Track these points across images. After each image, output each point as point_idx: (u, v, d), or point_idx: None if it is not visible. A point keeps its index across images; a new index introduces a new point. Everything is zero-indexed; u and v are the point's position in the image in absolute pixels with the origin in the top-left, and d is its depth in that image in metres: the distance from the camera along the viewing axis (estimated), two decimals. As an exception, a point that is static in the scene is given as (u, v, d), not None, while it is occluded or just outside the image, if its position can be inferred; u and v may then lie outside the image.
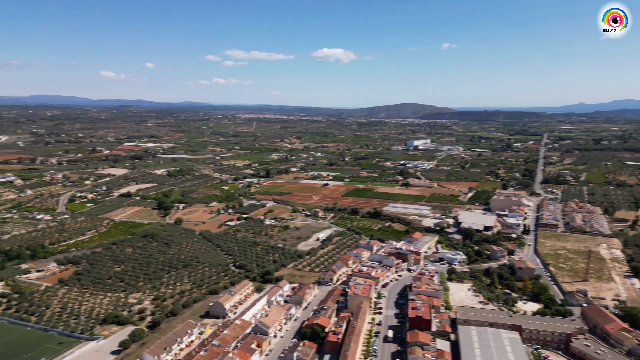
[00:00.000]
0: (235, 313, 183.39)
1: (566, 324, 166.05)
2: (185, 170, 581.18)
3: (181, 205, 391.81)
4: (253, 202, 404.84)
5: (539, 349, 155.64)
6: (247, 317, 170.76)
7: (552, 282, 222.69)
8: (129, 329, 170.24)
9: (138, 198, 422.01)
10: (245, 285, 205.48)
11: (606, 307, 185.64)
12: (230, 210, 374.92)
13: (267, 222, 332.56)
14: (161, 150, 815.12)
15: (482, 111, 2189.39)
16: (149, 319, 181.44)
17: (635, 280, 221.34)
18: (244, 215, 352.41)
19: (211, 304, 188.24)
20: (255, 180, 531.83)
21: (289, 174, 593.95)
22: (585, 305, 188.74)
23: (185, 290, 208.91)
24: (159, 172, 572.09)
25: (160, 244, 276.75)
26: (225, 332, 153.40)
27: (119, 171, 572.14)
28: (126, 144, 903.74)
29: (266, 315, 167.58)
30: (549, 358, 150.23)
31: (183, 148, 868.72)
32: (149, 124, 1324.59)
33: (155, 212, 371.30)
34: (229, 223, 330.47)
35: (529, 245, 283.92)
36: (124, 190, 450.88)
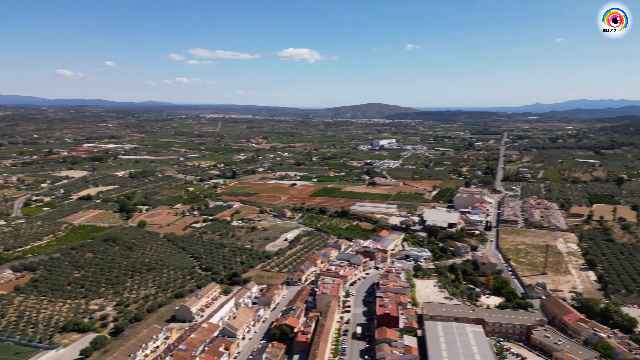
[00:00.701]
0: (202, 316, 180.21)
1: (527, 316, 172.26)
2: (149, 171, 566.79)
3: (144, 208, 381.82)
4: (219, 203, 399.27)
5: (502, 341, 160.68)
6: (214, 320, 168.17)
7: (513, 276, 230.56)
8: (91, 336, 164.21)
9: (99, 201, 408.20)
10: (212, 287, 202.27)
11: (564, 299, 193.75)
12: (195, 212, 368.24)
13: (234, 223, 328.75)
14: (123, 152, 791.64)
15: (445, 111, 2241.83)
16: (111, 325, 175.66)
17: (590, 273, 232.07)
18: (210, 217, 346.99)
19: (177, 307, 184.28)
20: (221, 181, 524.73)
21: (256, 174, 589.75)
22: (544, 297, 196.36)
23: (150, 295, 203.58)
24: (120, 173, 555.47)
25: (122, 247, 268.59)
26: (192, 336, 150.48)
27: (77, 173, 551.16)
28: (85, 145, 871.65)
29: (234, 318, 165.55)
30: (511, 350, 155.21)
31: (146, 149, 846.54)
32: (110, 125, 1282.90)
33: (117, 215, 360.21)
34: (194, 225, 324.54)
35: (491, 241, 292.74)
36: (83, 193, 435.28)
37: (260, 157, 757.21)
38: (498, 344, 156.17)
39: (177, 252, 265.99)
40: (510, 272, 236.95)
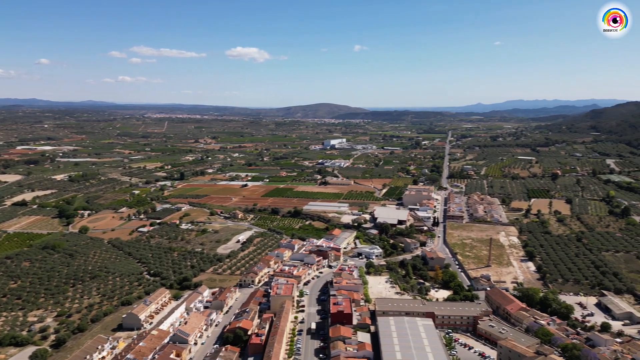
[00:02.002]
0: (151, 323, 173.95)
1: (473, 307, 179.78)
2: (90, 174, 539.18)
3: (86, 213, 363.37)
4: (167, 206, 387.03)
5: (451, 332, 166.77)
6: (164, 326, 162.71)
7: (460, 270, 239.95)
8: (30, 349, 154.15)
9: (35, 206, 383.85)
10: (162, 293, 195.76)
11: (506, 290, 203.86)
12: (142, 216, 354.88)
13: (184, 226, 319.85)
14: (61, 154, 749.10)
15: (392, 111, 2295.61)
16: (52, 337, 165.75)
17: (530, 264, 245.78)
18: (158, 221, 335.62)
19: (124, 315, 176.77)
20: (168, 183, 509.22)
21: (206, 175, 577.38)
22: (488, 289, 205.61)
23: (94, 304, 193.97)
24: (59, 177, 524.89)
25: (63, 255, 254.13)
26: (140, 344, 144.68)
27: (11, 177, 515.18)
28: (19, 147, 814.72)
29: (185, 323, 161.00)
30: (459, 340, 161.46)
31: (86, 151, 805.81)
32: (46, 125, 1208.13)
33: (56, 221, 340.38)
34: (141, 229, 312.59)
35: (438, 237, 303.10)
36: (17, 199, 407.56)
37: (210, 158, 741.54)
38: (447, 336, 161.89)
39: (123, 258, 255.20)
40: (457, 266, 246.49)
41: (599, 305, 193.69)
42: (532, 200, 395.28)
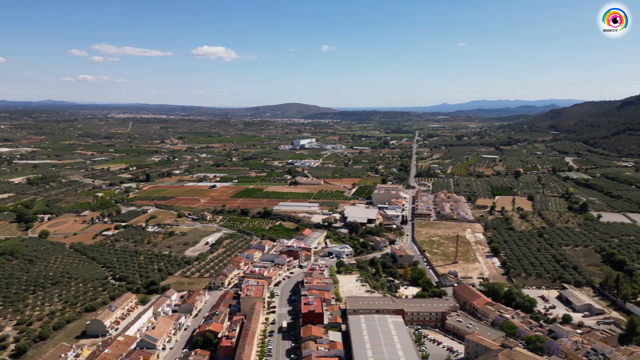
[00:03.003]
0: (117, 329, 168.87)
1: (441, 303, 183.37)
2: (50, 177, 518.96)
3: (46, 217, 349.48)
4: (133, 208, 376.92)
5: (420, 328, 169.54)
6: (131, 332, 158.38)
7: (428, 267, 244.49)
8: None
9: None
10: (128, 298, 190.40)
11: (473, 285, 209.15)
12: (106, 219, 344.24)
13: (150, 229, 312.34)
14: (18, 156, 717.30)
15: (361, 111, 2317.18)
16: (12, 347, 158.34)
17: (495, 259, 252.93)
18: (123, 224, 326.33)
19: (88, 322, 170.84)
20: (134, 185, 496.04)
21: (172, 176, 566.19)
22: (456, 285, 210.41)
23: (56, 311, 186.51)
24: (16, 180, 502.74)
25: (22, 261, 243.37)
26: (106, 351, 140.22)
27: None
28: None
29: (153, 328, 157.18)
30: (429, 336, 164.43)
31: (46, 152, 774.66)
32: (2, 126, 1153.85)
33: (14, 226, 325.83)
34: (105, 233, 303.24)
35: (407, 235, 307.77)
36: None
37: (177, 159, 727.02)
38: (417, 332, 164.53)
39: (87, 262, 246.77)
40: (426, 263, 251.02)
41: (560, 298, 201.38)
42: (496, 197, 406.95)
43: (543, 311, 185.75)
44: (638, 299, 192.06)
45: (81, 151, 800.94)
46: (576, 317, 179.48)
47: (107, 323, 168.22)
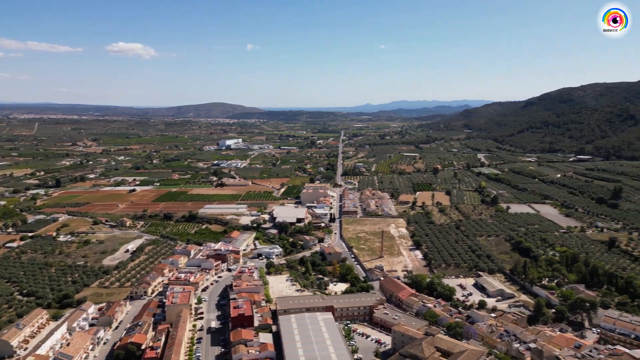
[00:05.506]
0: (26, 349, 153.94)
1: (369, 297, 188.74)
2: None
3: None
4: (41, 217, 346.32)
5: (349, 323, 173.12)
6: (42, 350, 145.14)
7: (356, 262, 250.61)
8: None
9: None
10: (38, 314, 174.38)
11: (398, 278, 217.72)
12: (10, 229, 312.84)
13: (62, 238, 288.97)
14: None
15: (287, 111, 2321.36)
16: None
17: (417, 252, 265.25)
18: (30, 234, 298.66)
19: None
20: (42, 191, 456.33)
21: (87, 181, 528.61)
22: (382, 278, 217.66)
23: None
24: None
25: None
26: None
27: None
28: None
29: (67, 345, 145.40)
30: (358, 330, 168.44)
31: None
32: None
33: None
34: (9, 245, 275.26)
35: (335, 232, 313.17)
36: None
37: (91, 162, 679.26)
38: (346, 327, 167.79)
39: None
40: (354, 259, 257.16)
41: (476, 285, 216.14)
42: (417, 193, 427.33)
43: (462, 298, 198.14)
44: (543, 282, 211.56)
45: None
46: (490, 302, 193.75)
47: (14, 343, 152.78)
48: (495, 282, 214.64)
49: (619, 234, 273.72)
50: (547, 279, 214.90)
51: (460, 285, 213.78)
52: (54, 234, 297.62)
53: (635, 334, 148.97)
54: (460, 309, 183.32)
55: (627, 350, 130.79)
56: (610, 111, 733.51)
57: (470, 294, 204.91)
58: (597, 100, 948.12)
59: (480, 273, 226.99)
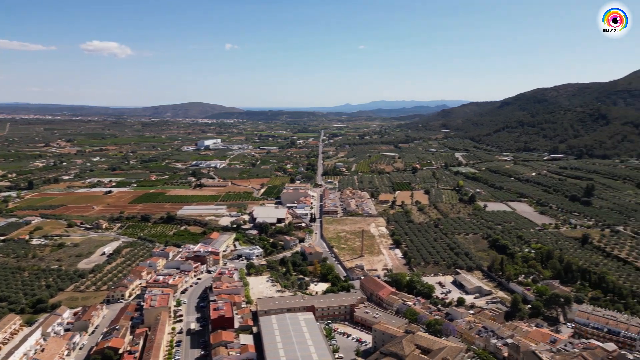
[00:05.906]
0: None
1: (349, 297, 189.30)
2: None
3: None
4: (13, 220, 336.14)
5: (330, 323, 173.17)
6: (16, 357, 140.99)
7: (336, 262, 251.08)
8: None
9: None
10: (11, 320, 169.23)
11: (378, 277, 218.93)
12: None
13: (35, 241, 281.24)
14: None
15: (267, 111, 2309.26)
16: None
17: (397, 251, 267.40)
18: (2, 237, 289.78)
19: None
20: (13, 193, 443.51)
21: (61, 183, 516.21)
22: (362, 277, 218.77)
23: None
24: None
25: None
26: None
27: None
28: None
29: (42, 351, 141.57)
30: (338, 330, 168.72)
31: None
32: None
33: None
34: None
35: (316, 233, 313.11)
36: None
37: (65, 163, 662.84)
38: (327, 327, 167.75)
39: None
40: (334, 258, 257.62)
41: (455, 282, 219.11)
42: (397, 192, 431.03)
43: (441, 296, 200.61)
44: (519, 279, 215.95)
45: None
46: (469, 299, 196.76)
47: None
48: (473, 280, 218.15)
49: (591, 231, 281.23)
50: (523, 276, 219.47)
51: (440, 283, 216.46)
52: (27, 237, 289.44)
53: (608, 327, 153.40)
54: (439, 306, 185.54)
55: (600, 344, 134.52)
56: (583, 111, 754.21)
57: (449, 292, 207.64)
58: (570, 100, 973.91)
59: (459, 270, 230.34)
